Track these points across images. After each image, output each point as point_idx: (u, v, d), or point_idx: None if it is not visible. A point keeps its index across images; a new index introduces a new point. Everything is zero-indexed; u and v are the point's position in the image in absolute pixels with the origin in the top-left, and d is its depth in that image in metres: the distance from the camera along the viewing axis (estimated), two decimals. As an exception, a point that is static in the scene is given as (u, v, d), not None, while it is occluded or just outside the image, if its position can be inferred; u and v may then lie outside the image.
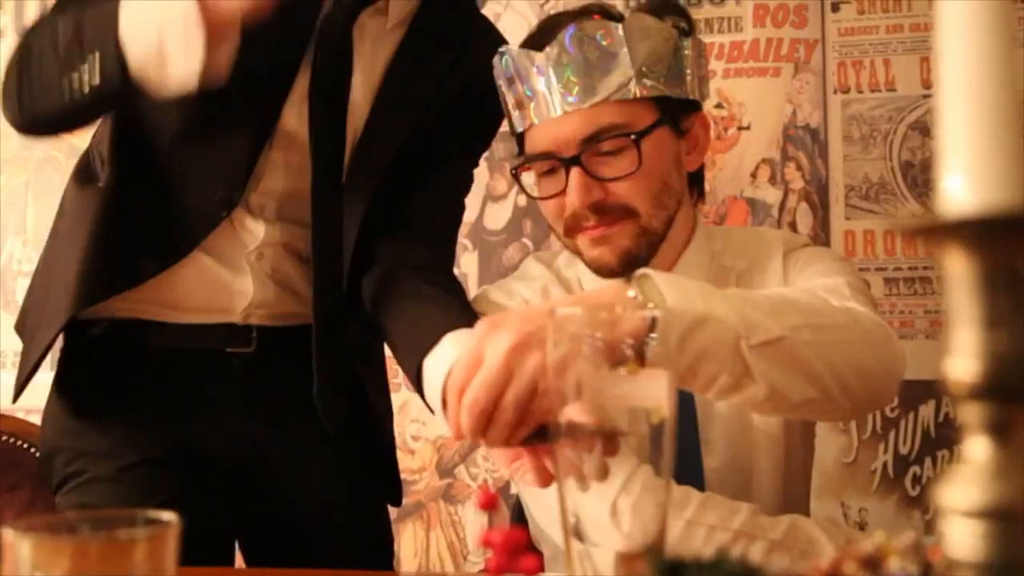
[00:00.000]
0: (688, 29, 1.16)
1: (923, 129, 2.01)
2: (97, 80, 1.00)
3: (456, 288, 1.20)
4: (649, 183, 1.10)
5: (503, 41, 1.27)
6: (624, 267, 1.10)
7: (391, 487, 1.33)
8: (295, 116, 1.15)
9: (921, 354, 1.81)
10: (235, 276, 1.17)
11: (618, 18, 1.14)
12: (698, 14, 2.19)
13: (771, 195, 2.08)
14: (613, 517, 0.90)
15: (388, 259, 1.20)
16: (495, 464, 2.17)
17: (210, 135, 1.15)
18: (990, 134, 0.35)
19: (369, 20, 1.16)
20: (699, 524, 0.98)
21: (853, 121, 2.10)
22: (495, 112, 1.22)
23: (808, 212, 2.07)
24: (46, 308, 1.19)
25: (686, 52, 1.14)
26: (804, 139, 2.08)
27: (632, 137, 1.07)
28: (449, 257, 1.30)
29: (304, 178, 1.16)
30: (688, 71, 1.14)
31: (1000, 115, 0.35)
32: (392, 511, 1.34)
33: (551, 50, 1.09)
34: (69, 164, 2.36)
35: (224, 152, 1.15)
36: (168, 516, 0.55)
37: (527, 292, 1.18)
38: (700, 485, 1.06)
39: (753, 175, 2.11)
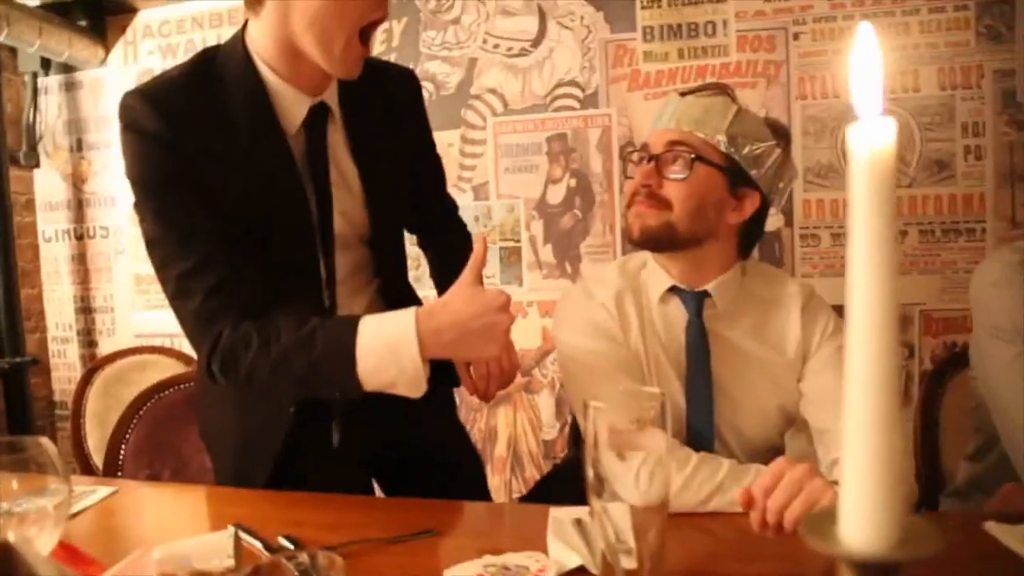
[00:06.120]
0: (782, 144, 1.25)
1: (860, 124, 2.40)
2: (337, 395, 1.14)
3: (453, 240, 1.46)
4: (690, 194, 1.21)
5: (406, 69, 1.37)
6: (642, 241, 1.24)
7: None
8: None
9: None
10: None
11: (733, 97, 1.27)
12: (695, 43, 2.46)
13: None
14: (635, 480, 0.89)
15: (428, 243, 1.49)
16: (558, 369, 2.69)
17: (291, 277, 1.19)
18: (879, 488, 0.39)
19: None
20: (694, 479, 1.08)
21: (810, 120, 2.41)
22: (423, 106, 1.38)
23: (777, 188, 2.36)
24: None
25: (773, 158, 1.23)
26: (774, 134, 2.32)
27: (692, 156, 1.21)
28: (447, 212, 1.52)
29: (350, 218, 1.26)
30: (767, 164, 1.23)
31: (887, 472, 0.39)
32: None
33: (672, 96, 1.28)
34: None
35: (303, 289, 1.21)
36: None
37: (603, 295, 1.30)
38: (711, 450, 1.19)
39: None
